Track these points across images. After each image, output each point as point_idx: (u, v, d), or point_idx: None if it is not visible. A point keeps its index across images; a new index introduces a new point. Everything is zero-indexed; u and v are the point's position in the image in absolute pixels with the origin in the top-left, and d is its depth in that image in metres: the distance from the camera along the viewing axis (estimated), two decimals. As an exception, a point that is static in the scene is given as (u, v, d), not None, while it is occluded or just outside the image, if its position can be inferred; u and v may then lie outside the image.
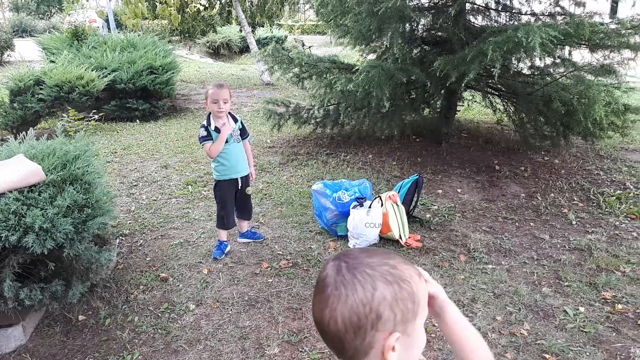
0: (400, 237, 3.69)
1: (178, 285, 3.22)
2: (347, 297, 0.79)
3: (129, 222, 4.17)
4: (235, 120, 3.45)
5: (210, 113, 3.34)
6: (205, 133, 3.33)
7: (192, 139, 6.68)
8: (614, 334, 2.70)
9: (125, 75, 7.71)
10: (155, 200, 4.63)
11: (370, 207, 3.69)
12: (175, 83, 8.58)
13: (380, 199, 3.76)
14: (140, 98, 7.92)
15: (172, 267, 3.44)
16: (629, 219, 4.18)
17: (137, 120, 7.82)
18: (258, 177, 5.10)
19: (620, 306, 2.93)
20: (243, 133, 3.50)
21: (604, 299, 3.01)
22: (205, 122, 3.35)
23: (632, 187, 4.85)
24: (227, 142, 3.35)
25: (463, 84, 4.60)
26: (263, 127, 6.86)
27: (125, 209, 4.43)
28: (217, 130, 3.31)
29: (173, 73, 8.36)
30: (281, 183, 4.97)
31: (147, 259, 3.57)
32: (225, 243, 3.62)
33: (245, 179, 3.54)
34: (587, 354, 2.53)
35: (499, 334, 2.69)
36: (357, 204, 3.75)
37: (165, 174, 5.33)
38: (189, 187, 4.92)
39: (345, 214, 3.72)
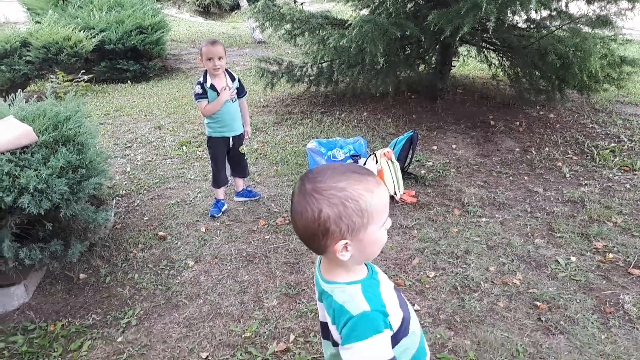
0: (395, 193, 3.72)
1: (176, 243, 3.26)
2: (301, 215, 1.03)
3: (124, 183, 4.18)
4: (233, 79, 3.40)
5: (206, 70, 3.28)
6: (200, 90, 3.27)
7: (185, 99, 6.61)
8: (604, 281, 2.77)
9: (114, 36, 7.54)
10: (150, 161, 4.62)
11: (365, 164, 3.70)
12: (165, 43, 8.40)
13: (375, 156, 3.76)
14: (130, 59, 7.78)
15: (169, 226, 3.47)
16: (622, 171, 4.21)
17: (129, 82, 7.70)
18: (253, 136, 5.08)
19: (611, 255, 2.99)
20: (240, 92, 3.46)
21: (595, 249, 3.07)
22: (201, 79, 3.29)
23: (626, 139, 4.87)
24: None
25: (457, 38, 4.53)
26: (256, 86, 6.77)
27: (120, 170, 4.42)
28: (213, 87, 3.27)
29: (163, 32, 8.17)
30: (276, 142, 4.96)
31: (145, 218, 3.60)
32: (222, 201, 3.64)
33: (238, 138, 3.51)
34: (577, 301, 2.61)
35: (491, 284, 2.76)
36: (352, 161, 3.75)
37: (159, 134, 5.29)
38: (184, 147, 4.90)
39: (340, 171, 3.73)
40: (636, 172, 4.17)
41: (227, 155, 3.55)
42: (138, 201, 3.86)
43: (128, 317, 2.60)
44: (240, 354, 2.31)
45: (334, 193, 1.00)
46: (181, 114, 5.99)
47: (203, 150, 4.74)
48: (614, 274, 2.83)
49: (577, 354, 2.25)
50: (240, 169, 3.68)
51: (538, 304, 2.58)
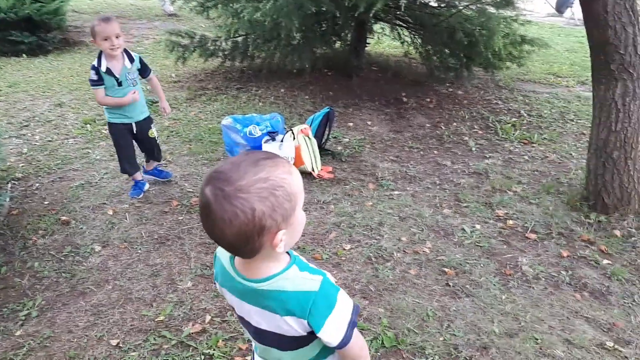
0: (313, 170, 3.73)
1: (81, 228, 3.06)
2: (231, 221, 0.89)
3: (21, 165, 3.84)
4: (132, 60, 3.09)
5: (100, 51, 2.99)
6: (95, 77, 2.98)
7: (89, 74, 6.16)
8: (505, 246, 2.98)
9: (4, 3, 6.83)
10: (50, 141, 4.28)
11: (282, 141, 3.67)
12: (65, 13, 7.74)
13: (292, 132, 3.74)
14: (25, 30, 7.08)
15: (73, 209, 3.25)
16: (522, 144, 4.51)
17: (24, 55, 7.03)
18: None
19: (511, 222, 3.21)
20: (144, 72, 3.20)
21: (497, 217, 3.28)
22: (95, 63, 2.98)
23: (525, 114, 5.22)
24: (120, 84, 3.04)
25: (371, 15, 4.58)
26: (167, 60, 6.46)
27: (15, 152, 4.06)
28: (110, 72, 2.98)
29: (62, 2, 7.52)
30: (189, 119, 4.78)
31: (45, 202, 3.34)
32: (143, 181, 3.44)
33: (144, 123, 3.25)
34: (481, 265, 2.78)
35: (403, 253, 2.86)
36: (269, 138, 3.71)
37: (60, 112, 4.91)
38: (88, 126, 4.58)
39: (257, 149, 3.67)
40: (534, 145, 4.49)
41: (137, 141, 3.33)
42: (37, 184, 3.57)
43: (28, 309, 2.41)
44: (154, 339, 2.23)
45: (260, 186, 0.90)
46: (85, 90, 5.58)
47: (110, 129, 4.45)
48: (514, 239, 3.05)
49: (481, 314, 2.40)
50: (154, 155, 3.45)
51: (446, 270, 2.72)
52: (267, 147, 3.60)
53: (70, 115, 4.84)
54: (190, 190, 3.51)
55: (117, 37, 2.90)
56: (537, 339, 2.25)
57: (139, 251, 2.85)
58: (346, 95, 5.55)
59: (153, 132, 3.33)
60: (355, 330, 1.05)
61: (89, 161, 3.92)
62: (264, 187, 0.90)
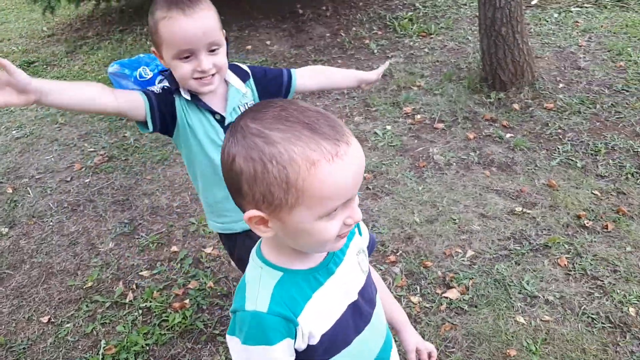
0: (218, 102, 3.59)
1: (-20, 214, 2.83)
2: (222, 151, 0.76)
3: None
4: (245, 77, 1.51)
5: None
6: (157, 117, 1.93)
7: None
8: (416, 141, 3.08)
9: None
10: None
11: (177, 78, 3.47)
12: None
13: (187, 67, 3.54)
14: None
15: (-35, 196, 2.98)
16: (420, 37, 4.55)
17: None
18: (44, 73, 4.43)
19: (418, 116, 3.30)
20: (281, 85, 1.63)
21: (405, 114, 3.36)
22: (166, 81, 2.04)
23: (420, 7, 5.22)
24: (222, 122, 1.61)
25: None
26: (33, 13, 5.80)
27: None
28: (204, 107, 1.49)
29: None
30: (74, 74, 4.39)
31: None
32: None
33: None
34: (396, 163, 2.87)
35: (322, 168, 2.89)
36: (162, 77, 3.47)
37: None
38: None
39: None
40: (432, 36, 4.54)
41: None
42: None
43: (-60, 309, 2.25)
44: (86, 306, 2.18)
45: (257, 143, 0.70)
46: None
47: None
48: (423, 132, 3.15)
49: (402, 209, 2.52)
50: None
51: (366, 175, 2.79)
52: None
53: None
54: (92, 149, 3.29)
55: (212, 52, 1.32)
56: (454, 219, 2.41)
57: (51, 224, 2.70)
58: (239, 17, 5.27)
59: None
60: None
61: (-30, 141, 3.56)
62: (259, 147, 0.70)
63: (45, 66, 4.57)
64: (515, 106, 3.26)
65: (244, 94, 1.43)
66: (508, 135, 3.01)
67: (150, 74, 3.58)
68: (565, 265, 2.12)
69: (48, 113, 3.78)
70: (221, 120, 1.40)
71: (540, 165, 2.74)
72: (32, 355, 2.00)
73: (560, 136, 2.93)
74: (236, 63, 1.50)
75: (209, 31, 1.28)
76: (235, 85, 1.42)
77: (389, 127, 3.22)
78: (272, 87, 1.50)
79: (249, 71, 1.47)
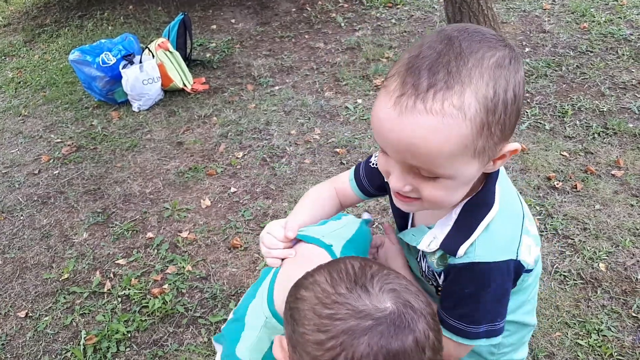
0: (185, 85, 3.53)
1: (-55, 213, 2.74)
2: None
3: None
4: None
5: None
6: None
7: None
8: (387, 112, 3.08)
9: None
10: None
11: (141, 62, 3.39)
12: None
13: (150, 50, 3.46)
14: None
15: None
16: (387, 8, 4.52)
17: None
18: (2, 64, 4.27)
19: (389, 88, 3.30)
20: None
21: (375, 87, 3.35)
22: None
23: (385, -22, 5.17)
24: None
25: None
26: (-12, 2, 5.57)
27: None
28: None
29: None
30: (35, 64, 4.24)
31: None
32: None
33: None
34: (369, 137, 2.88)
35: (295, 146, 2.88)
36: (126, 62, 3.39)
37: None
38: None
39: (117, 78, 3.36)
40: (398, 6, 4.51)
41: None
42: None
43: None
44: (64, 298, 2.15)
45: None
46: None
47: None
48: (394, 104, 3.15)
49: (376, 182, 2.53)
50: None
51: (338, 150, 2.79)
52: (127, 72, 3.31)
53: None
54: (59, 140, 3.21)
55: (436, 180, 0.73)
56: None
57: (21, 218, 2.63)
58: (203, -3, 5.15)
59: None
60: None
61: None
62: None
63: (3, 57, 4.41)
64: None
65: None
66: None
67: (113, 60, 3.51)
68: (537, 226, 2.17)
69: (10, 105, 3.67)
70: None
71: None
72: (11, 351, 1.97)
73: (529, 100, 2.97)
74: None
75: None
76: None
77: (359, 101, 3.22)
78: None
79: None
